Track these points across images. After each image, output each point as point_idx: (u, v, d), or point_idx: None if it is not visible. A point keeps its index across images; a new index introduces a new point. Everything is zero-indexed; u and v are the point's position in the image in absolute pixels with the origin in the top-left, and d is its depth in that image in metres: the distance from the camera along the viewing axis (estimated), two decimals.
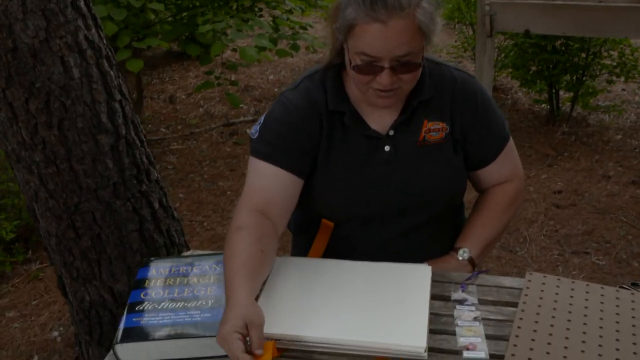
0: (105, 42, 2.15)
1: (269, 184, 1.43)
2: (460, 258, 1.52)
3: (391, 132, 1.47)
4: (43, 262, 3.28)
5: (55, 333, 2.80)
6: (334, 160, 1.48)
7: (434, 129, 1.47)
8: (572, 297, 1.31)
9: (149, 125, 5.04)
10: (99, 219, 2.20)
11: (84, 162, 2.12)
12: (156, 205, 2.33)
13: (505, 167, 1.58)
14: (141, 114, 5.08)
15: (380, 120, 1.47)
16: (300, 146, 1.45)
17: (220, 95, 5.43)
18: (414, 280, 1.36)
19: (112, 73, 2.15)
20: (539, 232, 3.42)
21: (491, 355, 1.20)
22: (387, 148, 1.47)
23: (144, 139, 2.33)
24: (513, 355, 1.16)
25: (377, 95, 1.36)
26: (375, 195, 1.48)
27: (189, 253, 1.54)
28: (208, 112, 5.28)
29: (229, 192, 4.04)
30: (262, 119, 1.49)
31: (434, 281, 1.40)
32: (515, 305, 1.32)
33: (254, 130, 1.48)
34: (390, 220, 1.51)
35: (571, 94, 4.67)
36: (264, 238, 1.34)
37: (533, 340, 1.19)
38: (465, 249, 1.52)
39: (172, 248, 2.42)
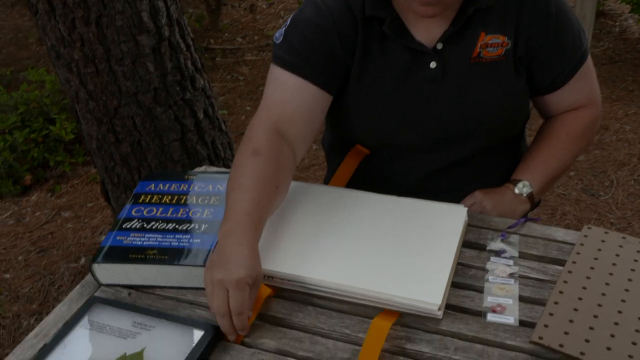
0: None
1: (291, 98, 1.22)
2: (518, 192, 1.29)
3: (439, 46, 1.22)
4: None
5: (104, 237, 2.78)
6: (369, 75, 1.25)
7: (491, 44, 1.21)
8: (636, 260, 1.06)
9: (225, 34, 4.88)
10: (139, 124, 2.10)
11: (124, 64, 2.00)
12: (200, 115, 2.19)
13: (580, 92, 1.31)
14: (218, 21, 4.93)
15: (427, 30, 1.22)
16: (331, 55, 1.23)
17: None
18: (444, 223, 1.14)
19: None
20: (629, 176, 3.06)
21: (521, 322, 0.98)
22: (433, 64, 1.22)
23: (192, 44, 2.17)
24: (546, 326, 0.94)
25: (418, 1, 1.11)
26: (416, 119, 1.25)
27: (201, 169, 1.39)
28: None
29: None
30: (288, 21, 1.27)
31: (471, 225, 1.19)
32: (563, 263, 1.09)
33: (278, 34, 1.27)
34: (431, 150, 1.29)
35: None
36: (280, 170, 1.13)
37: (576, 310, 0.97)
38: (526, 182, 1.29)
39: (217, 161, 2.30)
